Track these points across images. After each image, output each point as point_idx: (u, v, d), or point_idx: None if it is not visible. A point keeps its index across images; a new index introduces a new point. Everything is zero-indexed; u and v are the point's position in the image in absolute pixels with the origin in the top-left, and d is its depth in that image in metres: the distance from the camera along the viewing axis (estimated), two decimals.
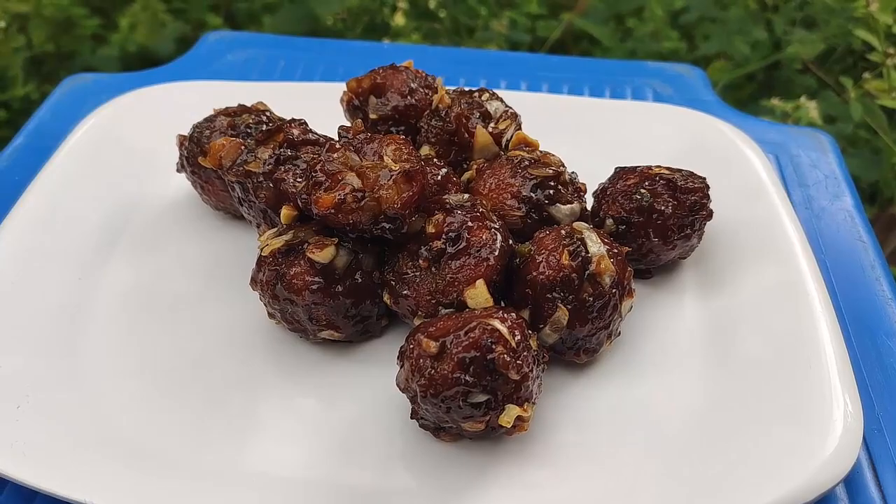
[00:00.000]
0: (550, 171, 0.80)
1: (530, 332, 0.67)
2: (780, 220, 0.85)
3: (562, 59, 1.36)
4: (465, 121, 0.85)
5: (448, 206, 0.74)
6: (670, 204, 0.79)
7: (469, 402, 0.62)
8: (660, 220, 0.79)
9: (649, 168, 0.83)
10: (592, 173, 0.86)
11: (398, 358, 0.67)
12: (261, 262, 0.74)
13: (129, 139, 0.99)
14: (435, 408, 0.63)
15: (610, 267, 0.70)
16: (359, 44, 1.45)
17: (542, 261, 0.71)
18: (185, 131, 0.89)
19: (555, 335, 0.71)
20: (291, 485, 0.65)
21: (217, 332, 0.79)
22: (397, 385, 0.67)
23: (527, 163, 0.80)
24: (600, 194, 0.84)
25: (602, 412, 0.72)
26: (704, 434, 0.68)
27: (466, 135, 0.85)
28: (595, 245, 0.71)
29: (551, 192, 0.79)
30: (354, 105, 0.90)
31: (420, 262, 0.72)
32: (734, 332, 0.77)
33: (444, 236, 0.72)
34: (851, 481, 0.68)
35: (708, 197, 0.81)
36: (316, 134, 0.83)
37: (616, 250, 0.73)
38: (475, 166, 0.83)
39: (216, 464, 0.67)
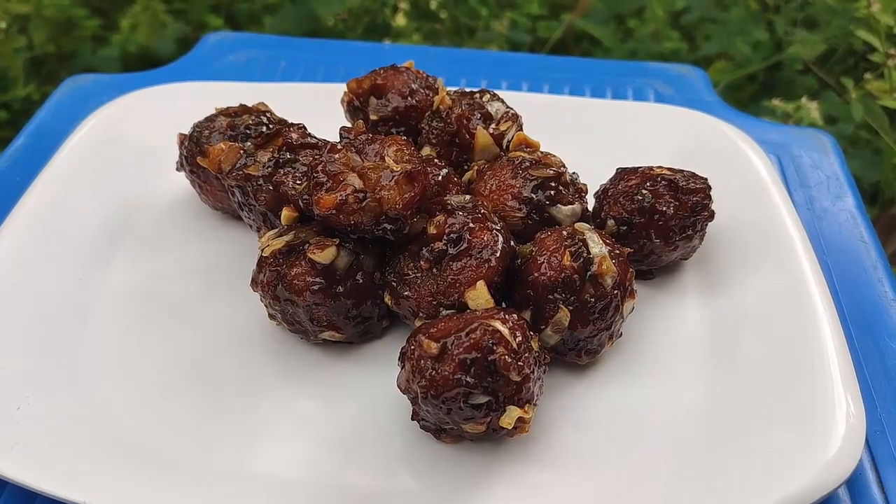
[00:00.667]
0: (551, 172, 0.80)
1: (531, 333, 0.67)
2: (781, 221, 0.85)
3: (563, 60, 1.35)
4: (465, 122, 0.85)
5: (449, 208, 0.74)
6: (672, 205, 0.79)
7: (470, 404, 0.62)
8: (661, 221, 0.79)
9: (651, 169, 0.83)
10: (594, 174, 0.86)
11: (399, 359, 0.67)
12: (261, 262, 0.74)
13: (129, 140, 0.98)
14: (436, 409, 0.63)
15: (612, 268, 0.70)
16: (360, 44, 1.45)
17: (543, 262, 0.71)
18: (186, 132, 0.89)
19: (556, 336, 0.71)
20: (292, 486, 0.65)
21: (218, 333, 0.79)
22: (398, 386, 0.67)
23: (528, 164, 0.80)
24: (601, 195, 0.83)
25: (603, 413, 0.71)
26: (706, 435, 0.68)
27: (467, 136, 0.84)
28: (597, 246, 0.71)
29: (552, 192, 0.79)
30: (355, 106, 0.90)
31: (421, 263, 0.72)
32: (736, 333, 0.76)
33: (445, 237, 0.72)
34: (854, 483, 0.68)
35: (710, 198, 0.81)
36: (315, 138, 0.83)
37: (618, 251, 0.73)
38: (476, 167, 0.83)
39: (217, 465, 0.67)
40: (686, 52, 1.89)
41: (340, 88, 0.92)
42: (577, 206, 0.80)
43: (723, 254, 0.85)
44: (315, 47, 1.34)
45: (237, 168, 0.80)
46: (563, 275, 0.70)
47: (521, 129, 0.89)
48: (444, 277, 0.71)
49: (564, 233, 0.73)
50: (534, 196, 0.79)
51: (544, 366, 0.68)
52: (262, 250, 0.74)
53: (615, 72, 1.28)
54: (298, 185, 0.76)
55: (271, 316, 0.76)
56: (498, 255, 0.71)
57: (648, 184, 0.80)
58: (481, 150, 0.85)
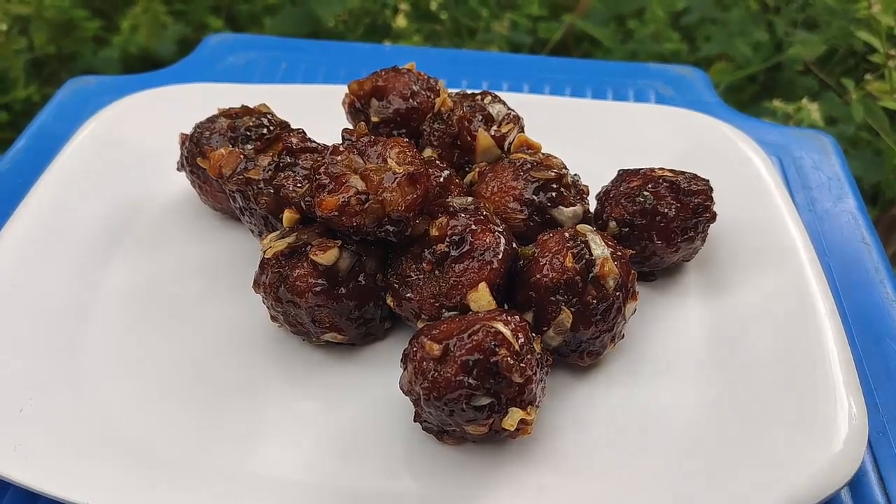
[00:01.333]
0: (553, 174, 0.80)
1: (534, 334, 0.67)
2: (783, 223, 0.85)
3: (564, 61, 1.36)
4: (467, 124, 0.85)
5: (452, 209, 0.74)
6: (673, 206, 0.79)
7: (472, 405, 0.62)
8: (663, 223, 0.79)
9: (652, 170, 0.83)
10: (595, 175, 0.86)
11: (401, 360, 0.67)
12: (264, 264, 0.74)
13: (131, 141, 0.99)
14: (438, 411, 0.63)
15: (614, 270, 0.70)
16: (360, 46, 1.45)
17: (545, 263, 0.71)
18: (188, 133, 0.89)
19: (558, 338, 0.71)
20: (294, 487, 0.65)
21: (219, 334, 0.79)
22: (400, 388, 0.67)
23: (529, 165, 0.80)
24: (603, 197, 0.83)
25: (605, 415, 0.71)
26: (708, 437, 0.68)
27: (469, 138, 0.84)
28: (599, 248, 0.71)
29: (554, 194, 0.79)
30: (356, 108, 0.90)
31: (423, 265, 0.72)
32: (738, 334, 0.76)
33: (447, 239, 0.72)
34: (856, 485, 0.68)
35: (711, 199, 0.81)
36: (315, 142, 0.83)
37: (620, 253, 0.73)
38: (477, 169, 0.83)
39: (219, 466, 0.67)
40: (686, 53, 1.89)
41: (341, 90, 0.92)
42: (578, 208, 0.80)
43: (725, 255, 0.85)
44: (316, 48, 1.34)
45: (238, 173, 0.80)
46: (565, 276, 0.70)
47: (523, 131, 0.89)
48: (447, 279, 0.71)
49: (566, 234, 0.73)
50: (535, 198, 0.79)
51: (547, 367, 0.68)
52: (265, 252, 0.74)
53: (616, 73, 1.28)
54: (299, 188, 0.76)
55: (273, 318, 0.76)
56: (500, 256, 0.71)
57: (650, 185, 0.80)
58: (483, 152, 0.85)
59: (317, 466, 0.67)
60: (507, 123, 0.87)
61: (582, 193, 0.83)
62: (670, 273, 0.85)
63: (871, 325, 0.82)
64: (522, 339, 0.64)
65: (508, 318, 0.65)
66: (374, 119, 0.88)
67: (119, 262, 0.86)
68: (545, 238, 0.74)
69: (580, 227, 0.75)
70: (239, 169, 0.80)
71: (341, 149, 0.73)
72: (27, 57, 1.89)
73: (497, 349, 0.62)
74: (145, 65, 1.96)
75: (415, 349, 0.65)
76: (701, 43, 1.91)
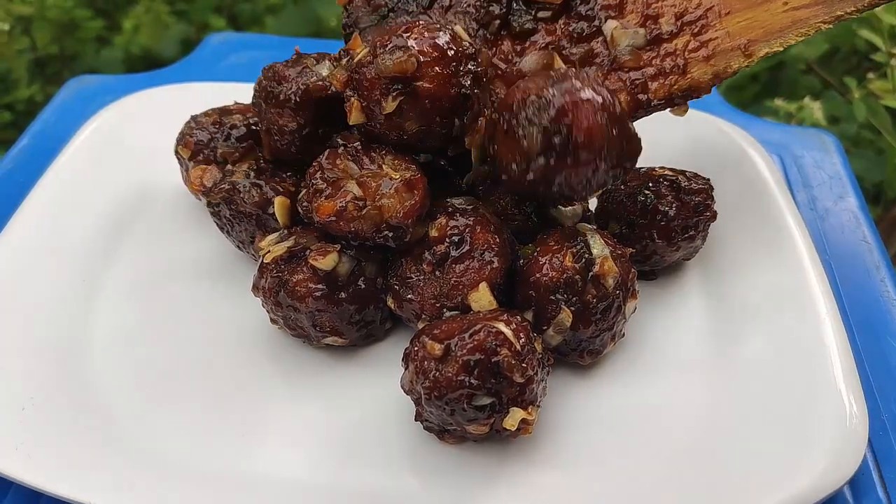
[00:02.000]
0: None
1: (534, 334, 0.67)
2: (784, 221, 0.85)
3: None
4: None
5: (450, 210, 0.73)
6: (674, 205, 0.79)
7: (473, 405, 0.62)
8: (663, 222, 0.79)
9: (653, 169, 0.83)
10: None
11: (403, 360, 0.67)
12: (263, 268, 0.74)
13: (133, 141, 0.99)
14: (439, 410, 0.63)
15: (614, 269, 0.70)
16: None
17: (545, 262, 0.71)
18: None
19: (558, 337, 0.71)
20: (296, 488, 0.65)
21: (221, 334, 0.79)
22: (402, 387, 0.67)
23: None
24: (604, 196, 0.84)
25: (606, 414, 0.72)
26: (709, 435, 0.68)
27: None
28: (599, 247, 0.71)
29: None
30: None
31: (424, 266, 0.72)
32: (738, 333, 0.77)
33: (447, 240, 0.72)
34: (857, 482, 0.68)
35: (712, 198, 0.81)
36: None
37: (620, 252, 0.73)
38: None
39: (221, 467, 0.67)
40: None
41: None
42: (578, 207, 0.80)
43: (725, 254, 0.85)
44: (317, 47, 1.34)
45: (220, 181, 0.81)
46: (564, 276, 0.70)
47: None
48: (447, 280, 0.71)
49: (567, 233, 0.73)
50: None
51: (547, 367, 0.68)
52: (263, 256, 0.74)
53: None
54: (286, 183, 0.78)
55: (273, 321, 0.76)
56: (500, 256, 0.71)
57: (651, 184, 0.80)
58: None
59: (318, 466, 0.67)
60: None
61: None
62: (671, 272, 0.85)
63: (872, 324, 0.83)
64: (524, 339, 0.64)
65: (510, 318, 0.66)
66: None
67: (121, 262, 0.86)
68: (545, 237, 0.74)
69: (580, 225, 0.75)
70: (219, 180, 0.82)
71: (339, 152, 0.73)
72: (30, 57, 1.89)
73: (498, 349, 0.62)
74: (147, 64, 1.97)
75: (416, 349, 0.65)
76: None
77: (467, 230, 0.71)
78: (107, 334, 0.78)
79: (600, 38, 0.78)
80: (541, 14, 0.78)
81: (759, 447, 0.65)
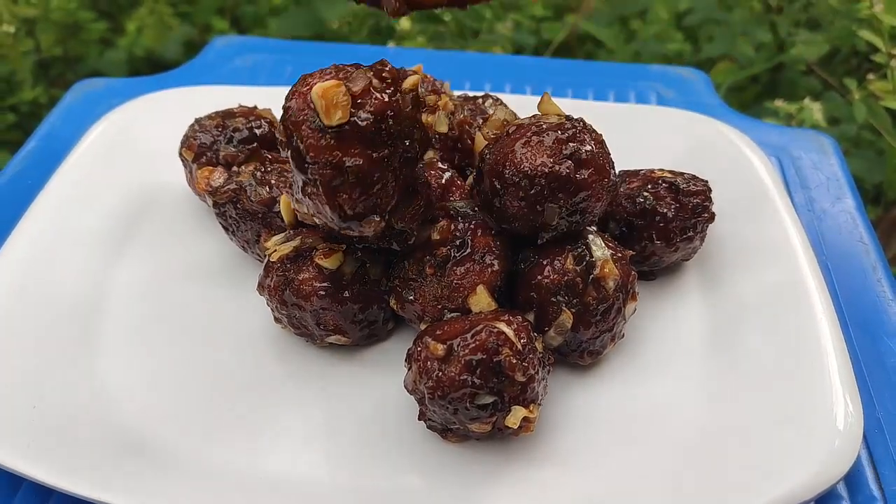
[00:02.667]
0: None
1: (535, 334, 0.68)
2: (782, 222, 0.85)
3: (566, 63, 1.36)
4: (467, 128, 0.86)
5: (452, 213, 0.74)
6: (673, 207, 0.80)
7: (476, 404, 0.63)
8: (662, 223, 0.80)
9: (652, 171, 0.84)
10: None
11: (406, 360, 0.68)
12: (269, 267, 0.75)
13: (139, 143, 1.00)
14: (442, 409, 0.64)
15: (614, 271, 0.71)
16: (365, 48, 1.47)
17: (546, 265, 0.72)
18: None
19: (559, 338, 0.72)
20: (299, 486, 0.66)
21: (227, 334, 0.80)
22: (405, 387, 0.68)
23: None
24: None
25: (606, 413, 0.73)
26: (707, 434, 0.69)
27: (469, 141, 0.85)
28: (600, 249, 0.72)
29: None
30: None
31: (426, 268, 0.73)
32: (736, 333, 0.77)
33: (449, 243, 0.73)
34: (852, 480, 0.69)
35: (710, 199, 0.82)
36: None
37: (621, 254, 0.74)
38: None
39: (227, 465, 0.68)
40: (689, 54, 1.89)
41: None
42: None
43: (723, 255, 0.86)
44: (320, 51, 1.36)
45: (227, 181, 0.82)
46: (565, 278, 0.71)
47: None
48: (448, 282, 0.72)
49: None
50: None
51: (548, 366, 0.69)
52: (269, 255, 0.75)
53: (617, 75, 1.29)
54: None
55: (277, 320, 0.77)
56: (500, 259, 0.72)
57: (650, 186, 0.81)
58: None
59: (322, 464, 0.68)
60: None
61: None
62: (670, 272, 0.86)
63: (868, 323, 0.83)
64: (525, 339, 0.65)
65: (511, 318, 0.66)
66: None
67: (129, 263, 0.87)
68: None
69: None
70: (225, 180, 0.83)
71: None
72: (34, 58, 1.90)
73: (500, 349, 0.63)
74: (151, 66, 1.98)
75: (419, 349, 0.66)
76: (704, 43, 1.91)
77: (468, 233, 0.72)
78: (115, 334, 0.79)
79: None
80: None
81: (756, 445, 0.66)
